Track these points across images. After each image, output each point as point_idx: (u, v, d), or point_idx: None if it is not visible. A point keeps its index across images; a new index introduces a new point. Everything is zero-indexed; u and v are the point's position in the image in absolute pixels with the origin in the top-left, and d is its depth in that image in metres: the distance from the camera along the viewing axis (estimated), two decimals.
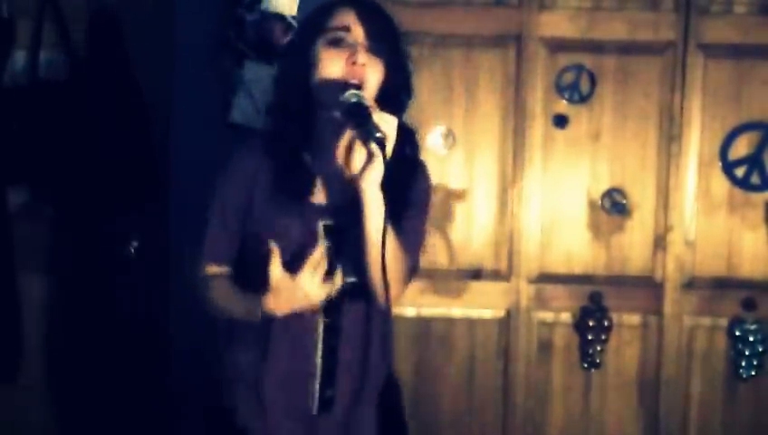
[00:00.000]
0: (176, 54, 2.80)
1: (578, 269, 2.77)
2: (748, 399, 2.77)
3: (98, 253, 2.83)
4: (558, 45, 2.73)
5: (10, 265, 2.71)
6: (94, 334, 2.84)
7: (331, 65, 1.68)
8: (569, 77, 2.73)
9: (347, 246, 1.71)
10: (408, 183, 1.77)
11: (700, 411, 2.78)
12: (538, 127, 2.74)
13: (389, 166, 1.61)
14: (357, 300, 1.76)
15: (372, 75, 1.69)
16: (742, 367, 2.73)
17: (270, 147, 1.75)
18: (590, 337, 2.73)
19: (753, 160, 2.73)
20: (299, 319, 1.74)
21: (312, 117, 1.74)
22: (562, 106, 2.74)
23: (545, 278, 2.77)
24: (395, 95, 1.75)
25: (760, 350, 2.71)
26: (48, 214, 2.82)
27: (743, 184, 2.73)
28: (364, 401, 1.81)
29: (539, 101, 2.73)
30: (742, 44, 2.70)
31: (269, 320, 1.73)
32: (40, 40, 2.76)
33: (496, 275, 2.75)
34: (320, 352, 1.76)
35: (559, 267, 2.77)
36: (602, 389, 2.79)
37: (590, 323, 2.72)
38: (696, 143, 2.73)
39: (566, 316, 2.77)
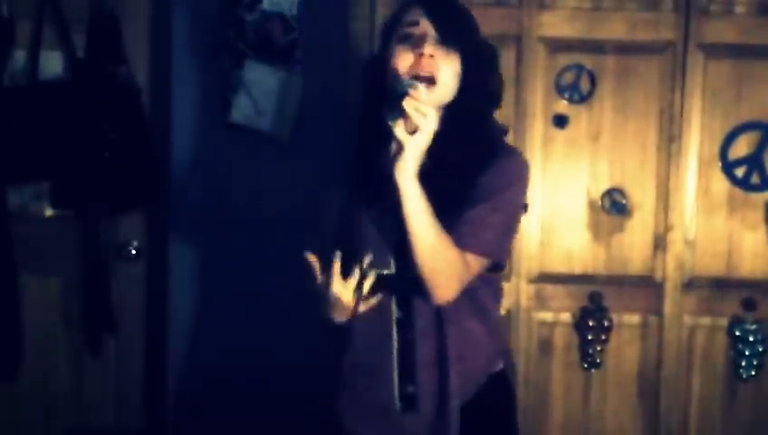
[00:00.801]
0: (176, 54, 2.80)
1: (578, 269, 2.77)
2: (748, 399, 2.77)
3: (98, 253, 2.82)
4: (558, 45, 2.73)
5: (10, 265, 2.71)
6: (94, 334, 2.84)
7: (402, 60, 1.70)
8: (569, 77, 2.74)
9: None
10: (473, 175, 1.73)
11: (700, 411, 2.78)
12: (538, 127, 2.74)
13: (449, 158, 1.66)
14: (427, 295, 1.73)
15: (446, 67, 1.69)
16: (742, 367, 2.73)
17: (353, 160, 1.78)
18: (590, 337, 2.73)
19: (753, 160, 2.73)
20: (375, 316, 1.75)
21: None
22: (562, 106, 2.74)
23: (545, 278, 2.77)
24: (475, 89, 1.74)
25: (760, 350, 2.71)
26: (48, 214, 2.82)
27: (743, 184, 2.74)
28: (449, 399, 1.77)
29: (539, 101, 2.73)
30: (742, 44, 2.70)
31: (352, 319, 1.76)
32: (40, 40, 2.76)
33: None
34: (396, 348, 1.75)
35: (559, 267, 2.77)
36: (602, 388, 2.79)
37: (590, 323, 2.73)
38: (696, 143, 2.73)
39: (566, 316, 2.77)
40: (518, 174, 1.81)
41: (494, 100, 1.80)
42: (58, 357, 2.90)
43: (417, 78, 1.65)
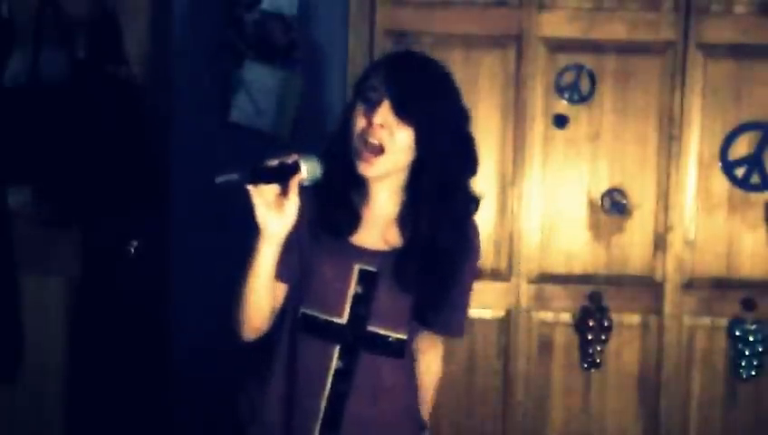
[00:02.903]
0: (175, 54, 2.80)
1: (578, 269, 2.77)
2: (748, 399, 2.77)
3: (98, 253, 2.82)
4: (558, 45, 2.73)
5: (10, 265, 2.71)
6: (95, 333, 2.84)
7: (357, 121, 1.69)
8: (569, 77, 2.74)
9: (379, 296, 1.71)
10: (448, 250, 1.75)
11: (700, 411, 2.78)
12: (538, 127, 2.74)
13: (421, 231, 1.71)
14: (377, 352, 1.73)
15: (398, 137, 1.67)
16: (742, 367, 2.73)
17: (320, 188, 1.72)
18: (589, 337, 2.73)
19: (753, 160, 2.73)
20: (314, 357, 1.73)
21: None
22: (562, 106, 2.74)
23: (545, 278, 2.77)
24: (435, 159, 1.70)
25: (760, 350, 2.71)
26: (48, 214, 2.82)
27: (743, 184, 2.74)
28: None
29: (539, 101, 2.73)
30: (742, 44, 2.70)
31: (288, 355, 1.75)
32: (40, 40, 2.76)
33: (496, 275, 2.75)
34: (326, 394, 1.72)
35: (559, 267, 2.77)
36: (602, 389, 2.79)
37: (590, 324, 2.72)
38: (696, 143, 2.73)
39: (566, 316, 2.77)
40: (479, 259, 1.88)
41: (465, 167, 1.79)
42: (58, 357, 2.90)
43: (366, 144, 1.66)
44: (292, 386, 1.75)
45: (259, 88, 2.76)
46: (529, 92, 2.73)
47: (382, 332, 1.73)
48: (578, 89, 2.73)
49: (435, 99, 1.70)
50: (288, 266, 1.71)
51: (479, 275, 1.93)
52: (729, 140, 2.73)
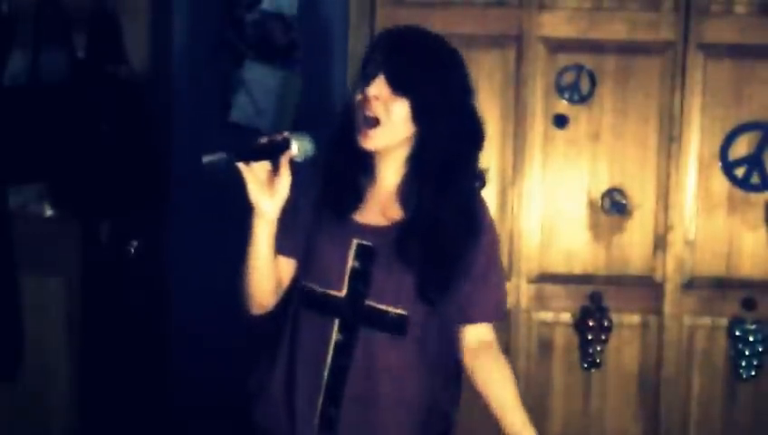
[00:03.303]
0: (175, 54, 2.80)
1: (578, 269, 2.77)
2: (748, 399, 2.77)
3: (98, 253, 2.82)
4: (558, 45, 2.73)
5: (10, 265, 2.71)
6: (95, 333, 2.84)
7: (357, 97, 1.71)
8: (569, 77, 2.74)
9: (378, 271, 1.71)
10: (453, 230, 1.73)
11: (700, 411, 2.78)
12: (538, 127, 2.74)
13: (424, 208, 1.68)
14: (376, 327, 1.72)
15: (393, 109, 1.67)
16: (742, 367, 2.73)
17: (326, 167, 1.75)
18: (590, 337, 2.73)
19: (753, 160, 2.73)
20: (314, 330, 1.74)
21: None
22: (562, 106, 2.74)
23: (545, 278, 2.77)
24: (434, 133, 1.70)
25: (760, 350, 2.71)
26: (48, 214, 2.82)
27: (743, 184, 2.74)
28: None
29: (539, 101, 2.74)
30: (742, 44, 2.70)
31: (291, 329, 1.76)
32: (40, 40, 2.76)
33: None
34: (327, 367, 1.73)
35: (559, 267, 2.77)
36: (602, 389, 2.79)
37: (590, 324, 2.73)
38: (696, 143, 2.73)
39: (566, 316, 2.77)
40: (495, 235, 1.84)
41: (467, 141, 1.77)
42: (58, 357, 2.90)
43: (364, 119, 1.67)
44: (296, 361, 1.76)
45: (259, 87, 2.76)
46: (529, 92, 2.73)
47: (381, 307, 1.71)
48: (578, 89, 2.73)
49: (429, 71, 1.70)
50: (290, 242, 1.73)
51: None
52: (729, 140, 2.73)
